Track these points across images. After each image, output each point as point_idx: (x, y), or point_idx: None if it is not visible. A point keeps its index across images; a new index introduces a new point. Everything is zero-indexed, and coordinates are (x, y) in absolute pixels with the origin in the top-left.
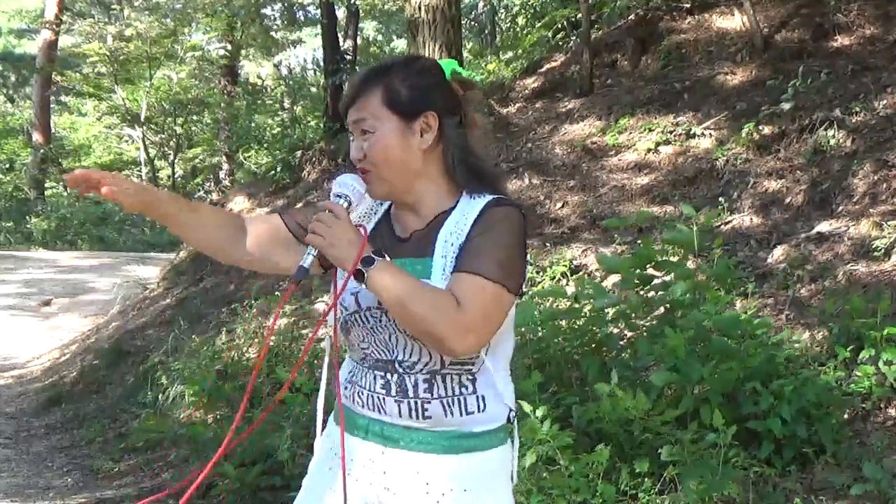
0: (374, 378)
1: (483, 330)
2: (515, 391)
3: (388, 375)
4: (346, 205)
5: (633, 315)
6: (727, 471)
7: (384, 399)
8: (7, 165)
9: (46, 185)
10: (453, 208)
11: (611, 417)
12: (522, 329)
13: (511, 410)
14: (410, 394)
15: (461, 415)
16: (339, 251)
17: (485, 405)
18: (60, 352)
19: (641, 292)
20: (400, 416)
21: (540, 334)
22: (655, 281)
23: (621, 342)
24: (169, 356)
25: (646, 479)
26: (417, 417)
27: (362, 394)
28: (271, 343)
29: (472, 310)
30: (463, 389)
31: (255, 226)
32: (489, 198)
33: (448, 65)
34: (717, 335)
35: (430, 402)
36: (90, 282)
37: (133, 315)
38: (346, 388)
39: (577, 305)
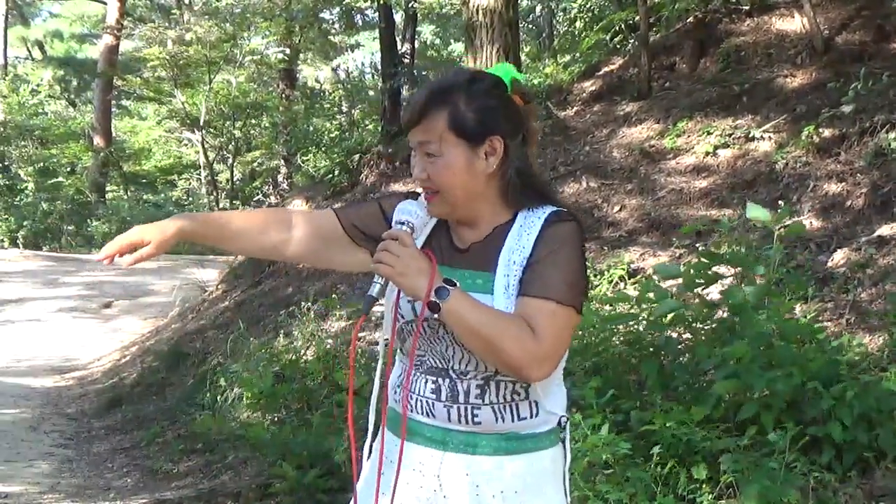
0: (426, 382)
1: (558, 355)
2: (574, 395)
3: (440, 380)
4: (409, 231)
5: (693, 320)
6: (787, 476)
7: (433, 403)
8: (68, 169)
9: (107, 188)
10: (511, 221)
11: (668, 424)
12: (580, 332)
13: (562, 416)
14: (461, 399)
15: (513, 420)
16: (409, 280)
17: (538, 410)
18: (121, 354)
19: (703, 293)
20: (449, 420)
21: (598, 338)
22: (721, 280)
23: (679, 346)
24: (227, 358)
25: (704, 485)
26: (467, 422)
27: (412, 398)
28: (328, 348)
29: (548, 337)
30: (515, 396)
31: (306, 222)
32: (548, 211)
33: (507, 73)
34: (779, 340)
35: (480, 409)
36: (150, 284)
37: (192, 317)
38: (395, 391)
39: (635, 310)
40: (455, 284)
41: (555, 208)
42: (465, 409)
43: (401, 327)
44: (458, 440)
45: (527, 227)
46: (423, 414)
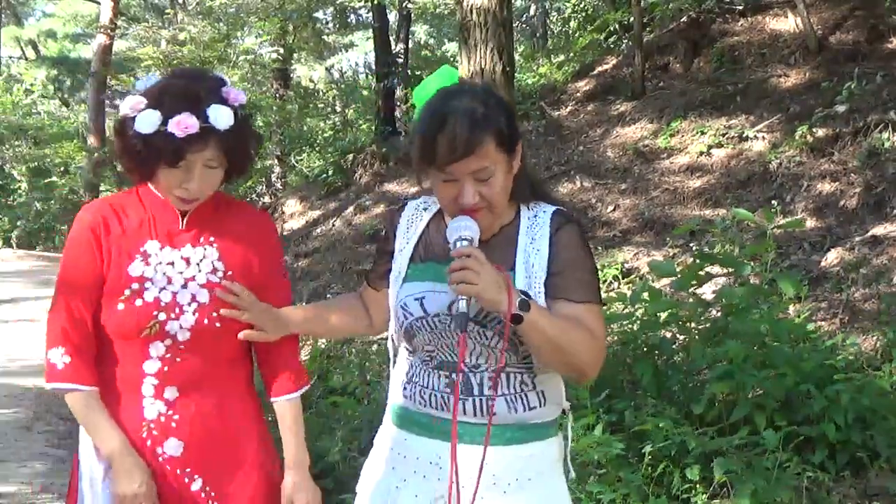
0: (439, 377)
1: (605, 350)
2: (568, 395)
3: (454, 375)
4: (476, 246)
5: (687, 319)
6: (780, 476)
7: (449, 398)
8: (62, 168)
9: (101, 188)
10: (515, 219)
11: (662, 424)
12: None
13: (566, 404)
14: (476, 392)
15: (524, 410)
16: (490, 295)
17: (545, 400)
18: None
19: (696, 291)
20: (464, 413)
21: None
22: (715, 280)
23: (674, 346)
24: None
25: (697, 485)
26: (482, 414)
27: (425, 393)
28: (322, 348)
29: (601, 337)
30: (524, 387)
31: (377, 301)
32: (550, 210)
33: (451, 76)
34: (772, 340)
35: (494, 400)
36: None
37: None
38: (405, 388)
39: (629, 309)
40: (529, 295)
41: (554, 207)
42: (480, 401)
43: (409, 324)
44: (473, 432)
45: (535, 227)
46: (438, 409)
